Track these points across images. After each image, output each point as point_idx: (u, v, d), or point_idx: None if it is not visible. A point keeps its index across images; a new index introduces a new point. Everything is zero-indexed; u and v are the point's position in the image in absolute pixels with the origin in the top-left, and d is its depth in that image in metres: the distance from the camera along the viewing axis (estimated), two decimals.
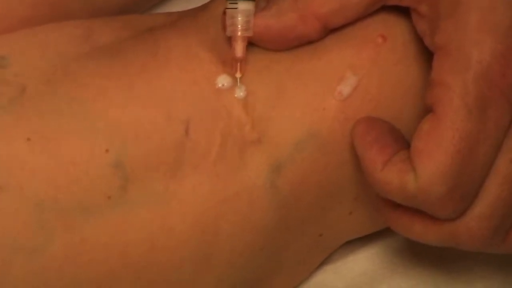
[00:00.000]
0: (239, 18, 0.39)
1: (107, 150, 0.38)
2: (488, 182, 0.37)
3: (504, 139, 0.37)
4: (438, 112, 0.36)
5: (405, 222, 0.39)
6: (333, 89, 0.39)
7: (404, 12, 0.41)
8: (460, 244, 0.38)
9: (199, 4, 0.44)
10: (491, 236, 0.37)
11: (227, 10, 0.40)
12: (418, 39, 0.40)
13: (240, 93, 0.39)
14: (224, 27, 0.40)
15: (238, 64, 0.39)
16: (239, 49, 0.40)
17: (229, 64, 0.40)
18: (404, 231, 0.39)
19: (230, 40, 0.40)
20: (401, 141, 0.38)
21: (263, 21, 0.40)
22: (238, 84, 0.39)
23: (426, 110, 0.37)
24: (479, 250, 0.38)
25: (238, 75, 0.39)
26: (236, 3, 0.40)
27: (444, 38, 0.37)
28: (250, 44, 0.40)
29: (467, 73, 0.36)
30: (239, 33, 0.40)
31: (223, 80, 0.39)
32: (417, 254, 0.49)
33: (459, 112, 0.37)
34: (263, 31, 0.40)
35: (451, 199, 0.36)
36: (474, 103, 0.36)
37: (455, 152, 0.37)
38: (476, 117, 0.36)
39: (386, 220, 0.40)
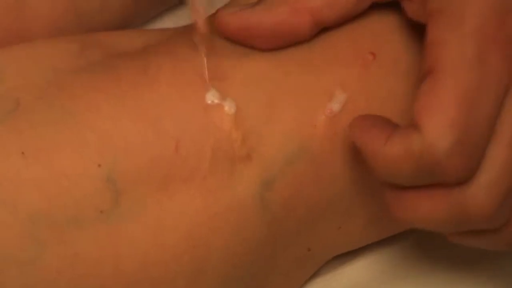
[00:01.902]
0: None
1: (99, 165, 0.38)
2: (493, 145, 0.37)
3: (504, 97, 0.37)
4: (437, 69, 0.36)
5: (411, 203, 0.39)
6: (323, 106, 0.40)
7: (394, 24, 0.42)
8: (470, 219, 0.38)
9: (189, 21, 0.45)
10: (499, 206, 0.37)
11: None
12: (408, 55, 0.41)
13: (230, 108, 0.40)
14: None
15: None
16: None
17: (217, 78, 0.40)
18: (410, 215, 0.39)
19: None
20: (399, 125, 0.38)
21: (254, 16, 0.40)
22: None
23: (423, 77, 0.37)
24: (487, 227, 0.38)
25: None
26: None
27: (437, 2, 0.37)
28: (239, 57, 0.41)
29: (463, 27, 0.37)
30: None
31: (212, 97, 0.40)
32: (408, 266, 0.49)
33: (459, 64, 0.37)
34: (255, 27, 0.40)
35: (459, 154, 0.36)
36: (473, 55, 0.36)
37: (458, 103, 0.36)
38: (476, 68, 0.36)
39: (391, 209, 0.40)
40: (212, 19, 0.42)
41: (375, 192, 0.43)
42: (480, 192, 0.37)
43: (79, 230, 0.38)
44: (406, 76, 0.41)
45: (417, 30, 0.41)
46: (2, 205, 0.38)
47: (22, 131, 0.39)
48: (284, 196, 0.41)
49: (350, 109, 0.41)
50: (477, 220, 0.38)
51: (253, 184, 0.40)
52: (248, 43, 0.41)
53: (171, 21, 0.54)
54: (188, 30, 0.44)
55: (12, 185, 0.38)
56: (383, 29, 0.42)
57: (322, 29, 0.41)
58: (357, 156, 0.41)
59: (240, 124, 0.40)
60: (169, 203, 0.40)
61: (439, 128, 0.37)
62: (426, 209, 0.39)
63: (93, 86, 0.40)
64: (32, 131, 0.39)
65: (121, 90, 0.40)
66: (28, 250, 0.38)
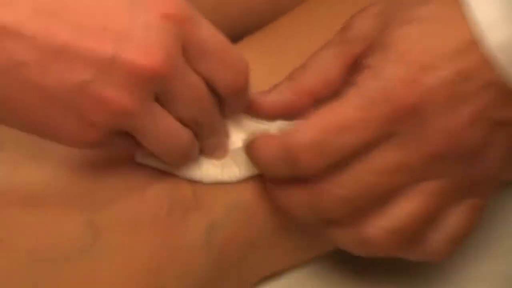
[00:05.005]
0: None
1: (81, 212, 0.45)
2: (353, 162, 0.42)
3: (382, 141, 0.42)
4: (336, 98, 0.42)
5: (284, 193, 0.44)
6: None
7: None
8: (325, 207, 0.43)
9: None
10: (351, 199, 0.43)
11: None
12: None
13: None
14: None
15: None
16: None
17: None
18: (282, 203, 0.45)
19: None
20: None
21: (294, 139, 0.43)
22: None
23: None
24: (339, 216, 0.43)
25: None
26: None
27: (371, 59, 0.42)
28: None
29: (375, 82, 0.41)
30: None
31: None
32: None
33: (348, 102, 0.42)
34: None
35: (316, 152, 0.42)
36: (366, 107, 0.41)
37: (338, 125, 0.41)
38: (333, 112, 0.41)
39: (271, 198, 0.46)
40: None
41: (291, 229, 0.49)
42: (334, 187, 0.43)
43: (65, 263, 0.44)
44: None
45: None
46: (5, 243, 0.44)
47: (21, 187, 0.45)
48: (223, 237, 0.47)
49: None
50: (330, 208, 0.43)
51: (200, 229, 0.47)
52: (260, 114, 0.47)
53: None
54: None
55: (13, 228, 0.44)
56: None
57: None
58: (275, 205, 0.47)
59: (192, 183, 0.47)
60: (136, 241, 0.45)
61: (308, 127, 0.42)
62: (291, 199, 0.44)
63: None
64: (29, 186, 0.45)
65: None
66: (27, 282, 0.44)
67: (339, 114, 0.42)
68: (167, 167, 0.46)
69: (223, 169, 0.47)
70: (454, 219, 0.44)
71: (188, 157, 0.45)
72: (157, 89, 0.41)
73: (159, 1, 0.41)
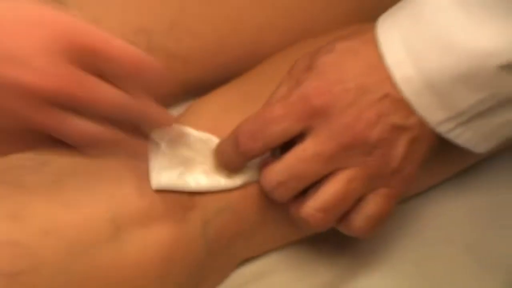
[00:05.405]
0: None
1: (107, 211, 0.51)
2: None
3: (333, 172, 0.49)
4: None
5: (265, 173, 0.52)
6: None
7: None
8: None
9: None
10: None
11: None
12: None
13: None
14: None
15: None
16: None
17: None
18: (262, 183, 0.52)
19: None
20: None
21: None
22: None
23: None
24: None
25: None
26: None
27: (300, 77, 0.49)
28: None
29: (296, 89, 0.49)
30: None
31: None
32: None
33: (276, 103, 0.50)
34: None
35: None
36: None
37: (259, 117, 0.50)
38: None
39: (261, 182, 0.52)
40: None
41: (268, 222, 0.56)
42: (272, 173, 0.50)
43: (95, 250, 0.49)
44: None
45: None
46: (52, 236, 0.48)
47: (62, 191, 0.50)
48: (215, 230, 0.53)
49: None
50: (273, 191, 0.51)
51: (197, 224, 0.53)
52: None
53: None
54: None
55: (61, 220, 0.49)
56: None
57: None
58: (257, 206, 0.54)
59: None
60: (151, 235, 0.51)
61: (248, 119, 0.50)
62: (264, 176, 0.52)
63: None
64: (68, 192, 0.51)
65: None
66: (66, 258, 0.48)
67: (269, 111, 0.50)
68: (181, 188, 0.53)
69: (212, 181, 0.54)
70: (371, 203, 0.51)
71: (102, 145, 0.51)
72: (62, 102, 0.46)
73: (48, 23, 0.45)
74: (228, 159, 0.52)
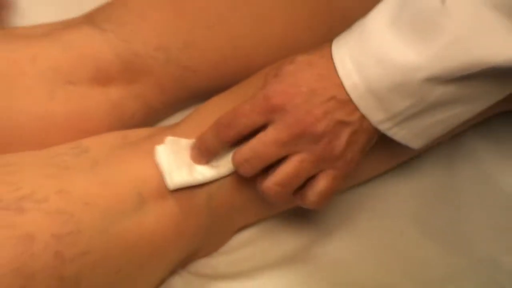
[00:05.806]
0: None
1: (134, 187, 0.59)
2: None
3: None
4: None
5: (241, 151, 0.60)
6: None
7: None
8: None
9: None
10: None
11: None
12: None
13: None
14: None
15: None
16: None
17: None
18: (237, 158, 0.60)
19: None
20: None
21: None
22: None
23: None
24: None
25: None
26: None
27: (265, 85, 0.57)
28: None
29: (260, 91, 0.57)
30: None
31: None
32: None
33: (245, 102, 0.57)
34: None
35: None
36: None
37: (232, 112, 0.58)
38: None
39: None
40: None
41: (257, 198, 0.65)
42: (244, 151, 0.59)
43: (124, 217, 0.58)
44: None
45: None
46: (89, 206, 0.55)
47: (103, 177, 0.58)
48: (216, 204, 0.63)
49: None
50: (242, 166, 0.59)
51: (203, 196, 0.63)
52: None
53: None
54: (174, 126, 0.66)
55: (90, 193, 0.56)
56: None
57: None
58: (241, 187, 0.63)
59: None
60: (166, 207, 0.61)
61: (226, 112, 0.58)
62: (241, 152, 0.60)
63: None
64: (107, 175, 0.60)
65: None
66: (104, 220, 0.56)
67: (241, 107, 0.58)
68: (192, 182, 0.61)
69: (213, 171, 0.63)
70: (320, 181, 0.59)
71: None
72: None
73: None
74: (210, 145, 0.60)
